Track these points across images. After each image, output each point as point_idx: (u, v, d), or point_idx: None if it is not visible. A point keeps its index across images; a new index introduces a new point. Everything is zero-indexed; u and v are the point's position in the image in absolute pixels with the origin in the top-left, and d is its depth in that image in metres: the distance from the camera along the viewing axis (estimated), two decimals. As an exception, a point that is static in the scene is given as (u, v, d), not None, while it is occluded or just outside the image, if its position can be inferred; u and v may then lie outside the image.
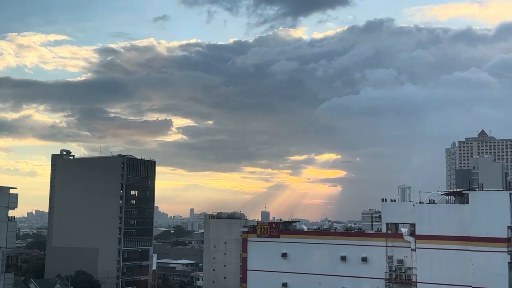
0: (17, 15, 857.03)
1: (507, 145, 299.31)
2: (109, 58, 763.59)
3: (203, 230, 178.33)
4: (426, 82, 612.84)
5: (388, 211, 67.69)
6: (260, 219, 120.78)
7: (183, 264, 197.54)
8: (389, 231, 67.21)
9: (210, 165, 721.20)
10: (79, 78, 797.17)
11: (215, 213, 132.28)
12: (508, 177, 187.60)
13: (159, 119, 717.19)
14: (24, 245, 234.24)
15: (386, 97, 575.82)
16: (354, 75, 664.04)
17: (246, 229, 79.30)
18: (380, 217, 71.11)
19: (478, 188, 65.81)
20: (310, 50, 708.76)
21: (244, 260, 76.41)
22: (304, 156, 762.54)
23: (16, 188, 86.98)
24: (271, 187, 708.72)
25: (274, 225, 75.75)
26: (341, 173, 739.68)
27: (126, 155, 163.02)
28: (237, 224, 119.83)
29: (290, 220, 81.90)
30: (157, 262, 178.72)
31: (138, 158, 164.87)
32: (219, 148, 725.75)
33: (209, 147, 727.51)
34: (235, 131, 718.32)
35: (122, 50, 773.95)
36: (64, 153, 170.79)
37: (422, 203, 64.37)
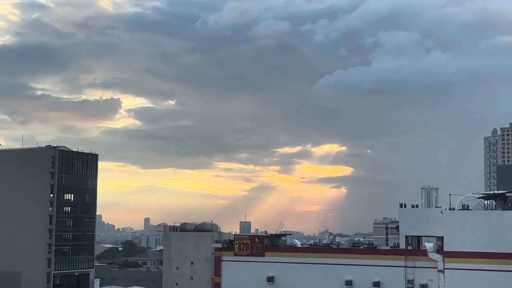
0: None
1: None
2: (34, 16, 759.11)
3: (162, 247, 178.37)
4: (459, 49, 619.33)
5: (408, 221, 68.30)
6: (238, 232, 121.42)
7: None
8: (409, 247, 67.85)
9: (171, 160, 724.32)
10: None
11: (179, 224, 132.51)
12: None
13: (103, 98, 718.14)
14: None
15: (406, 70, 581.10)
16: (364, 40, 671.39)
17: (219, 245, 79.53)
18: (397, 228, 71.79)
19: (527, 190, 66.55)
20: (306, 6, 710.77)
21: (216, 286, 76.72)
22: (298, 148, 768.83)
23: None
24: (253, 189, 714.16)
25: (257, 239, 76.09)
26: (346, 170, 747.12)
27: (58, 146, 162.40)
28: (207, 238, 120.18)
29: (278, 233, 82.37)
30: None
31: (74, 150, 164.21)
32: (184, 137, 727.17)
33: (170, 136, 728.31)
34: (205, 114, 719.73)
35: (52, 5, 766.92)
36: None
37: (453, 209, 65.00)
